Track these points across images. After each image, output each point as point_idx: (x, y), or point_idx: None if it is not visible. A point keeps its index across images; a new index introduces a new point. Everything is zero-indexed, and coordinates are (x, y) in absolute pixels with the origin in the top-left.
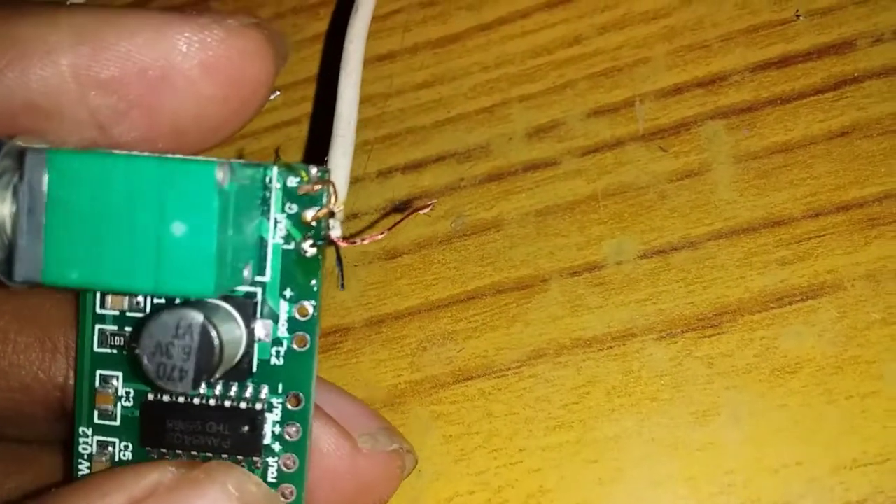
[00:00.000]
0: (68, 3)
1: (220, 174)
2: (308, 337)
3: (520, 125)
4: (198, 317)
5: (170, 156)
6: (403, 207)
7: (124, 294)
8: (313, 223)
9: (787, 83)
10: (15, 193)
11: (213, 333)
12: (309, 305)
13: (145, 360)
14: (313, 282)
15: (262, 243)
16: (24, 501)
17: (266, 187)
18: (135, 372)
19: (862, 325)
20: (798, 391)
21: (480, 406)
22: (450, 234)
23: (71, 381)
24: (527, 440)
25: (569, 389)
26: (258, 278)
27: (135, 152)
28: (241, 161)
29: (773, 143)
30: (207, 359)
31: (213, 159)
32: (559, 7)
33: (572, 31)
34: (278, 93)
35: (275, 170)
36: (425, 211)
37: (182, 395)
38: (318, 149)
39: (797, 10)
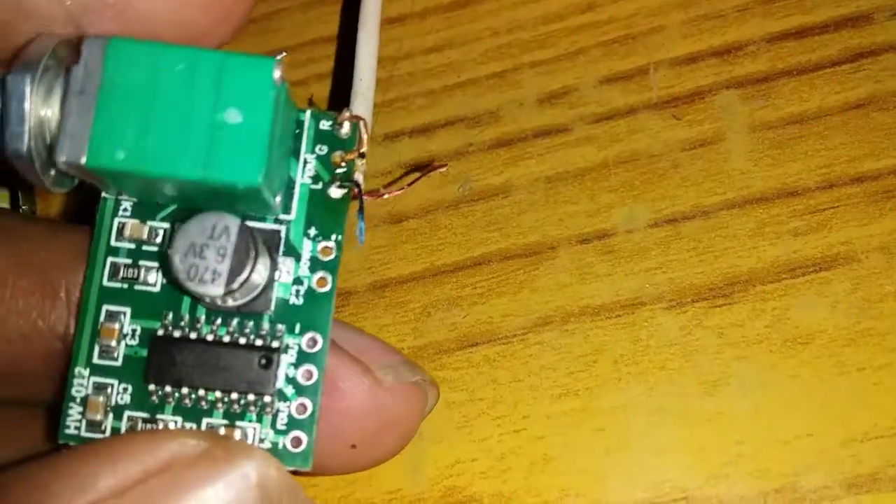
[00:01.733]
0: None
1: (277, 72)
2: (329, 278)
3: (531, 91)
4: (235, 219)
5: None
6: (421, 167)
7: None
8: (343, 164)
9: (804, 54)
10: (60, 94)
11: (250, 236)
12: (332, 245)
13: (177, 260)
14: (337, 222)
15: (290, 182)
16: (22, 465)
17: (299, 129)
18: (146, 310)
19: (875, 297)
20: (809, 362)
21: (485, 373)
22: (457, 198)
23: (72, 331)
24: (531, 407)
25: (575, 357)
26: (284, 216)
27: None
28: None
29: (788, 114)
30: (243, 260)
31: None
32: None
33: None
34: (285, 53)
35: (308, 113)
36: (442, 170)
37: (210, 298)
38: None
39: None
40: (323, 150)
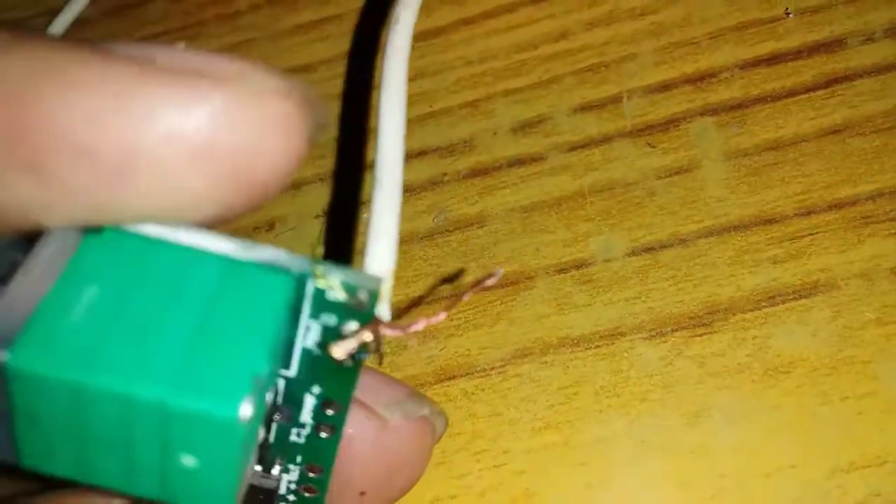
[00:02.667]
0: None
1: (244, 412)
2: (335, 426)
3: (505, 120)
4: None
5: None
6: (452, 278)
7: None
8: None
9: (778, 80)
10: None
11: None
12: (339, 403)
13: None
14: (348, 386)
15: (290, 344)
16: None
17: (298, 295)
18: None
19: (856, 325)
20: (792, 392)
21: (463, 407)
22: (432, 229)
23: None
24: (511, 442)
25: (555, 390)
26: (282, 372)
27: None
28: (266, 251)
29: (763, 141)
30: None
31: (240, 273)
32: (545, 2)
33: (558, 26)
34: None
35: (310, 284)
36: (491, 282)
37: None
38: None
39: (787, 8)
40: (331, 320)
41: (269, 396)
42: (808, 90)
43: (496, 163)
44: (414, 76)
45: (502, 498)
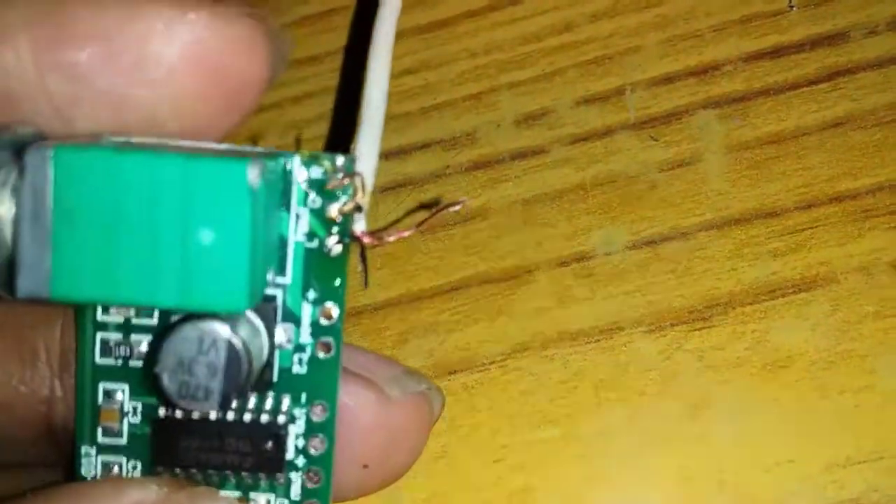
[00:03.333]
0: None
1: (252, 174)
2: (333, 342)
3: (508, 112)
4: (223, 330)
5: (195, 151)
6: (430, 205)
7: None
8: (339, 218)
9: (780, 73)
10: (15, 192)
11: (241, 348)
12: (334, 307)
13: (166, 380)
14: (338, 282)
15: (283, 242)
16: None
17: (286, 179)
18: (144, 385)
19: (855, 319)
20: (790, 386)
21: (463, 400)
22: (434, 222)
23: (58, 392)
24: (511, 436)
25: (555, 383)
26: (278, 279)
27: (152, 143)
28: (260, 149)
29: (765, 134)
30: (235, 376)
31: (241, 154)
32: None
33: (563, 18)
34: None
35: (297, 159)
36: (455, 208)
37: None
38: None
39: (791, 1)
40: (316, 202)
41: (269, 310)
42: (810, 83)
43: (499, 155)
44: (418, 68)
45: (501, 491)
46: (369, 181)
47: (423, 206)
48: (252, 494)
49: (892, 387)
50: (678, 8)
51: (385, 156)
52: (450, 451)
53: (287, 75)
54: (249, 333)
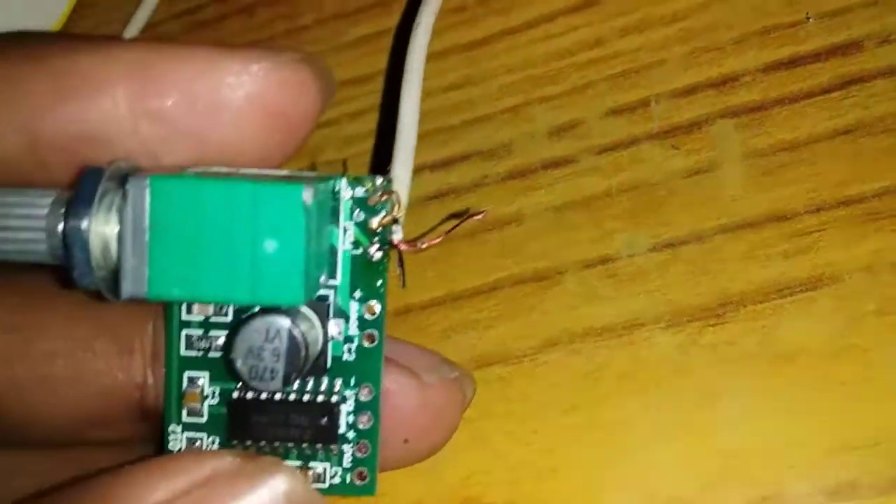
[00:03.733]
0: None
1: (306, 195)
2: (376, 333)
3: (541, 125)
4: (285, 322)
5: (260, 177)
6: (459, 214)
7: (219, 304)
8: (379, 229)
9: (796, 83)
10: (119, 215)
11: (300, 337)
12: (376, 305)
13: (239, 363)
14: (380, 283)
15: (333, 250)
16: (85, 479)
17: (335, 198)
18: (221, 373)
19: (858, 315)
20: (795, 377)
21: (497, 390)
22: (473, 228)
23: (150, 380)
24: (540, 422)
25: (581, 375)
26: (330, 282)
27: (225, 172)
28: (315, 174)
29: (779, 141)
30: (295, 359)
31: (298, 179)
32: (582, 11)
33: (594, 33)
34: None
35: (343, 181)
36: (478, 217)
37: (273, 392)
38: (379, 157)
39: (808, 13)
40: (360, 216)
41: (322, 307)
42: (824, 92)
43: (532, 165)
44: (462, 84)
45: (531, 473)
46: (404, 198)
47: (453, 216)
48: (311, 464)
49: (891, 379)
50: (702, 21)
51: (431, 167)
52: (486, 434)
53: (343, 94)
54: (307, 326)
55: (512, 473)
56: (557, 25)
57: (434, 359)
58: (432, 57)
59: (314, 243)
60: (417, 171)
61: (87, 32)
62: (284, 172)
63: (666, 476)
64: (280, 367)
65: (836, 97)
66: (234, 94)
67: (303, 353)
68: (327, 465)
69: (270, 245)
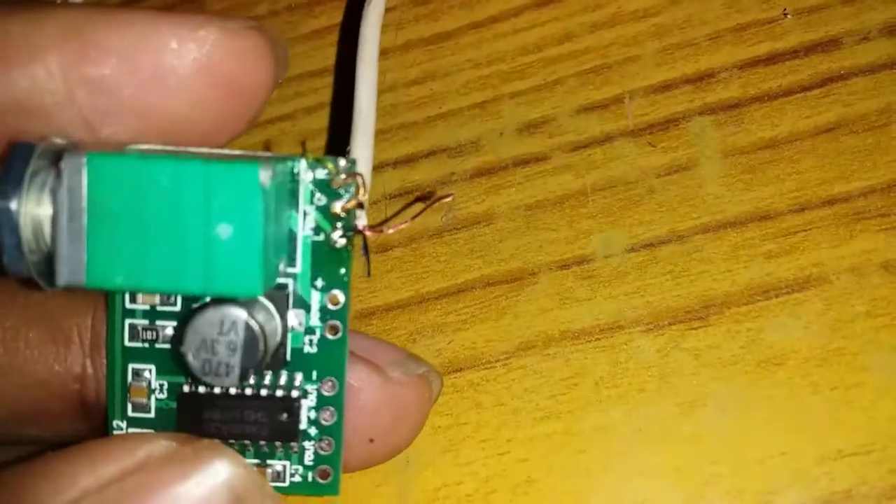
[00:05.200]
0: (59, 0)
1: (264, 175)
2: (340, 325)
3: (511, 121)
4: (241, 313)
5: (211, 156)
6: (424, 198)
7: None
8: (342, 214)
9: (774, 80)
10: (53, 195)
11: (257, 329)
12: (340, 294)
13: (190, 357)
14: (343, 271)
15: (292, 236)
16: (8, 469)
17: (294, 180)
18: (170, 366)
19: (847, 318)
20: (783, 382)
21: (469, 397)
22: (440, 227)
23: (89, 371)
24: (515, 431)
25: (557, 381)
26: (289, 269)
27: (172, 151)
28: (271, 154)
29: (759, 139)
30: (252, 353)
31: (254, 158)
32: (550, 5)
33: (563, 28)
34: None
35: (303, 162)
36: (447, 200)
37: (227, 387)
38: (336, 142)
39: (784, 9)
40: (321, 200)
41: (281, 295)
42: (803, 89)
43: (502, 163)
44: (424, 78)
45: (506, 484)
46: (368, 181)
47: (419, 199)
48: (269, 461)
49: (883, 383)
50: (675, 17)
51: (393, 164)
52: (457, 444)
53: (299, 87)
54: (265, 317)
55: (486, 485)
56: (524, 20)
57: (399, 354)
58: (395, 50)
59: (272, 228)
60: (380, 167)
61: None
62: (237, 152)
63: (649, 487)
64: (236, 362)
65: (816, 94)
66: (180, 62)
67: (261, 346)
68: (287, 462)
69: (224, 230)
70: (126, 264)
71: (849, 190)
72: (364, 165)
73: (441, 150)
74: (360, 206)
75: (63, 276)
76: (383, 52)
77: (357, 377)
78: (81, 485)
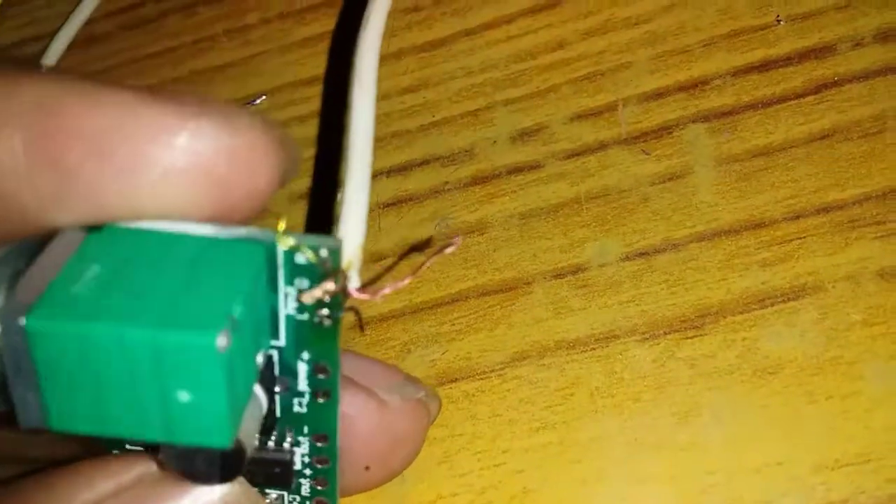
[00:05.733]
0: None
1: (221, 341)
2: (330, 391)
3: (504, 129)
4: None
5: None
6: (422, 246)
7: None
8: (327, 298)
9: (768, 87)
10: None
11: (238, 443)
12: (328, 365)
13: (173, 464)
14: (331, 346)
15: (274, 313)
16: (15, 482)
17: (271, 267)
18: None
19: (843, 326)
20: (779, 392)
21: (464, 408)
22: (434, 237)
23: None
24: (510, 441)
25: (552, 391)
26: (273, 342)
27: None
28: (244, 230)
29: (753, 147)
30: (233, 465)
31: (212, 313)
32: (543, 13)
33: (556, 36)
34: (264, 97)
35: (280, 253)
36: (450, 251)
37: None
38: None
39: (778, 16)
40: (304, 283)
41: (267, 367)
42: (797, 96)
43: (496, 171)
44: (417, 86)
45: (501, 495)
46: (359, 231)
47: (415, 249)
48: (267, 490)
49: (880, 392)
50: (667, 24)
51: (387, 173)
52: (452, 456)
53: (291, 96)
54: (247, 412)
55: (481, 496)
56: (517, 27)
57: (396, 376)
58: (387, 58)
59: (240, 365)
60: (373, 177)
61: (15, 30)
62: (209, 228)
63: (645, 496)
64: (216, 472)
65: (810, 101)
66: (162, 153)
67: (243, 456)
68: (284, 493)
69: (184, 395)
70: (86, 413)
71: (844, 197)
72: (357, 211)
73: (434, 158)
74: (345, 291)
75: (26, 421)
76: None
77: (352, 405)
78: (80, 499)
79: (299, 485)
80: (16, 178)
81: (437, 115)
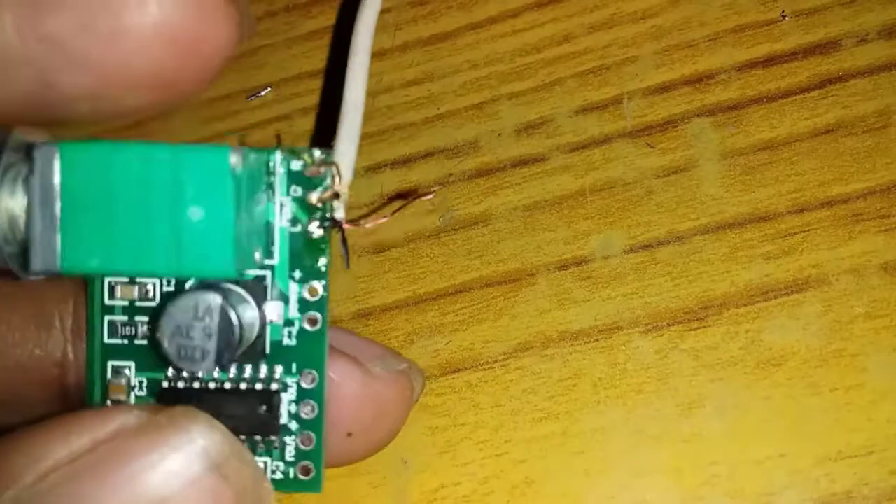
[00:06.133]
0: None
1: (233, 158)
2: (319, 316)
3: (509, 122)
4: (216, 298)
5: (182, 144)
6: (405, 195)
7: (143, 278)
8: (319, 204)
9: (773, 82)
10: (25, 187)
11: (233, 314)
12: (318, 285)
13: (165, 343)
14: (321, 261)
15: (269, 227)
16: None
17: (270, 172)
18: (149, 362)
19: (846, 319)
20: (783, 384)
21: (467, 398)
22: (438, 228)
23: (70, 357)
24: (513, 432)
25: (555, 381)
26: (267, 261)
27: (141, 141)
28: (246, 147)
29: (758, 141)
30: (228, 338)
31: (225, 145)
32: (549, 6)
33: (562, 30)
34: (269, 88)
35: (278, 154)
36: (428, 197)
37: (203, 374)
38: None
39: (783, 11)
40: (297, 191)
41: (260, 288)
42: (802, 91)
43: (500, 163)
44: (422, 79)
45: (503, 485)
46: (347, 172)
47: (400, 196)
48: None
49: (882, 384)
50: (673, 19)
51: (391, 165)
52: (455, 445)
53: (296, 88)
54: (242, 306)
55: (484, 486)
56: (523, 21)
57: (380, 349)
58: (392, 51)
59: (245, 216)
60: (378, 168)
61: None
62: (224, 146)
63: (648, 488)
64: (212, 347)
65: (815, 96)
66: (139, 19)
67: (237, 332)
68: (268, 459)
69: (195, 213)
70: (99, 249)
71: (848, 191)
72: (347, 158)
73: (439, 150)
74: (337, 196)
75: (38, 264)
76: (381, 53)
77: (337, 371)
78: (54, 456)
79: (283, 445)
80: (11, 52)
81: (442, 107)
